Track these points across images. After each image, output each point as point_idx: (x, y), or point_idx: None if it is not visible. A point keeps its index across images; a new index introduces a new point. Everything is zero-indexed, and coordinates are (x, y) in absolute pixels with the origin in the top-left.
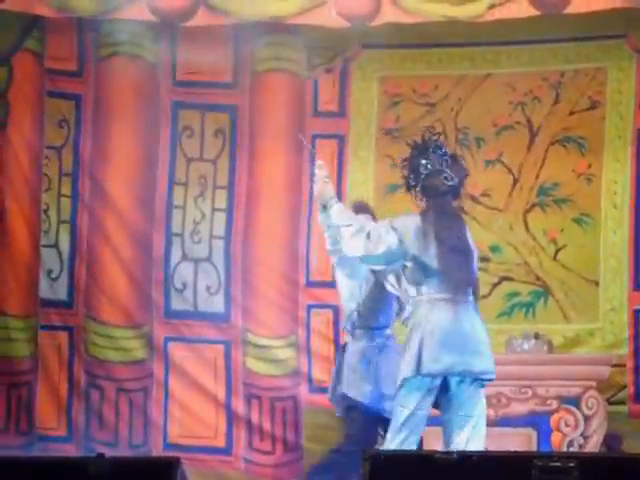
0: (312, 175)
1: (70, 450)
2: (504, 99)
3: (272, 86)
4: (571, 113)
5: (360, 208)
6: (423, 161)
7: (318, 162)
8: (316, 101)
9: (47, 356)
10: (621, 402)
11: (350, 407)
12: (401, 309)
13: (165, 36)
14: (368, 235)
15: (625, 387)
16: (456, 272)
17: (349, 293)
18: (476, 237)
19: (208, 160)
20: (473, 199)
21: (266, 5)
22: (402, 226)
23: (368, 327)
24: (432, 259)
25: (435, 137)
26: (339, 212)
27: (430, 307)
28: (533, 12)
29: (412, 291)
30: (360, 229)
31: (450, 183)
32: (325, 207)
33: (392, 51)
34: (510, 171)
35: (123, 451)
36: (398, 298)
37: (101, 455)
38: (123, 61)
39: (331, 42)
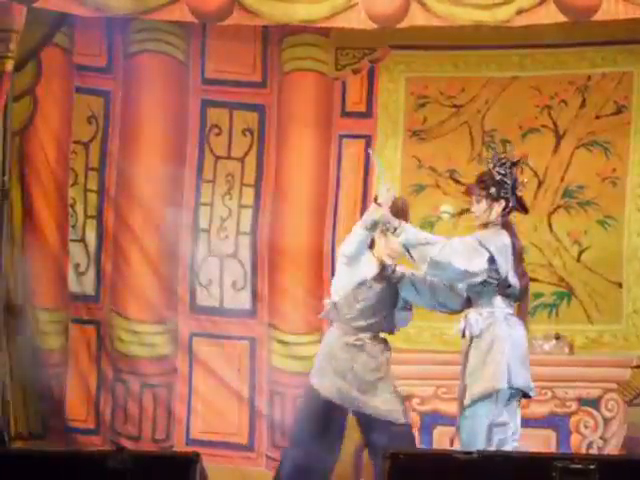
0: (377, 196)
1: (97, 442)
2: (530, 102)
3: (300, 86)
4: (597, 117)
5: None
6: (519, 180)
7: (388, 185)
8: (344, 101)
9: (77, 349)
10: None
11: (309, 394)
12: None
13: (194, 34)
14: (453, 248)
15: None
16: (526, 290)
17: (341, 285)
18: None
19: (236, 158)
20: None
21: (298, 8)
22: (492, 245)
23: (346, 323)
24: (514, 278)
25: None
26: (415, 232)
27: (507, 322)
28: (561, 18)
29: (487, 305)
30: (443, 245)
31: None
32: (376, 227)
33: (419, 52)
34: (535, 173)
35: (146, 445)
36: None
37: (121, 449)
38: (152, 58)
39: (359, 43)
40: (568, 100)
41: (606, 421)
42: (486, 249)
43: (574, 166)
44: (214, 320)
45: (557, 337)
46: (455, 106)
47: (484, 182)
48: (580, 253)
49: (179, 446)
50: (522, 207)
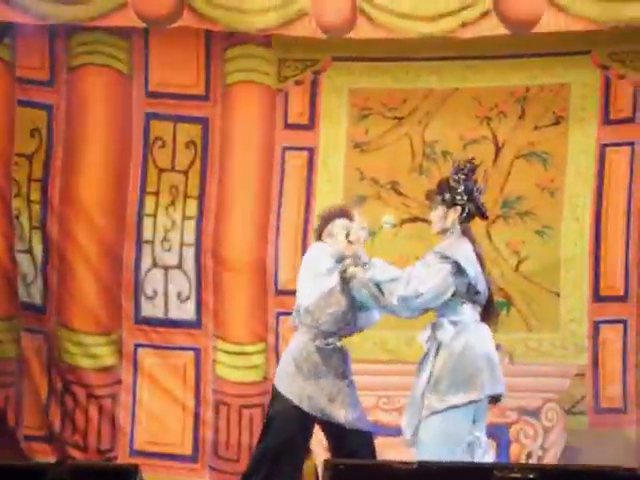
0: (349, 233)
1: (49, 451)
2: (471, 113)
3: (243, 98)
4: (535, 128)
5: (338, 212)
6: (476, 185)
7: (362, 225)
8: (286, 113)
9: (29, 358)
10: (581, 412)
11: (275, 400)
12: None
13: (137, 47)
14: (417, 278)
15: (584, 397)
16: (491, 296)
17: (313, 289)
18: None
19: (179, 171)
20: None
21: (250, 17)
22: (457, 254)
23: (316, 327)
24: (480, 283)
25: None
26: (382, 268)
27: (476, 328)
28: (503, 30)
29: (454, 313)
30: (408, 279)
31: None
32: (357, 265)
33: (361, 64)
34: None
35: (92, 456)
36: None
37: (62, 461)
38: (95, 71)
39: (301, 54)
40: (507, 111)
41: (546, 430)
42: (448, 261)
43: (513, 177)
44: (159, 331)
45: (497, 347)
46: (396, 118)
47: (440, 188)
48: (519, 263)
49: (123, 457)
50: (481, 213)
